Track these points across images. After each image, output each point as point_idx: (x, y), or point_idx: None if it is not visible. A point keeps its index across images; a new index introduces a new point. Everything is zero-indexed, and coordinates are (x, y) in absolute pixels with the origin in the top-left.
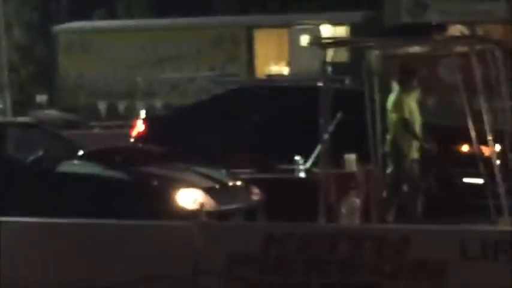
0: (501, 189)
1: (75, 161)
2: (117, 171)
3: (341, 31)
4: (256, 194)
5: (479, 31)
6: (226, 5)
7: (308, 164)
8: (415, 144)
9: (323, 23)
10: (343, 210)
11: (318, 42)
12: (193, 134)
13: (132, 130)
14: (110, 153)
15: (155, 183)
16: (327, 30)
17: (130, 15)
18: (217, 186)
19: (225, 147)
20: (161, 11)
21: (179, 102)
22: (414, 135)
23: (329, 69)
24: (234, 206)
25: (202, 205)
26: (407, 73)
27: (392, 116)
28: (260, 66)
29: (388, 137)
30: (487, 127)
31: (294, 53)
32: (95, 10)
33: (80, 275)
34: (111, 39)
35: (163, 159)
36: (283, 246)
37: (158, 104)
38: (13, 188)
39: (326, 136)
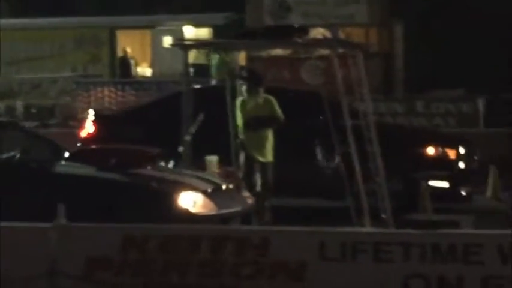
0: (361, 190)
1: (65, 162)
2: (113, 173)
3: (204, 33)
4: (248, 197)
5: (341, 34)
6: (89, 5)
7: (170, 165)
8: (267, 146)
9: (186, 24)
10: None
11: (179, 43)
12: (144, 134)
13: (80, 131)
14: (98, 154)
15: (155, 185)
16: (190, 32)
17: None
18: (215, 189)
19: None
20: (23, 11)
21: (40, 102)
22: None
23: (191, 70)
24: (232, 210)
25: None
26: (252, 76)
27: (236, 120)
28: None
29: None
30: (348, 130)
31: (157, 55)
32: None
33: None
34: None
35: (154, 160)
36: (143, 248)
37: (19, 104)
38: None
39: (188, 138)
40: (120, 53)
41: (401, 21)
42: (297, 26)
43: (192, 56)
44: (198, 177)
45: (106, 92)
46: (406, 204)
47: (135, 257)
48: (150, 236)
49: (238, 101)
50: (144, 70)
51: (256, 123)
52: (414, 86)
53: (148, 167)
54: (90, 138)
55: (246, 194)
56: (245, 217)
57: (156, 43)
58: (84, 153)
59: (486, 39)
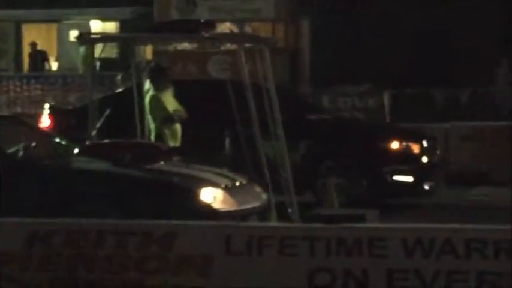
0: (269, 186)
1: (78, 158)
2: (131, 168)
3: (111, 27)
4: (263, 192)
5: (248, 29)
6: None
7: None
8: (179, 138)
9: (93, 18)
10: None
11: (85, 37)
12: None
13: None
14: (109, 149)
15: (178, 181)
16: (97, 26)
17: None
18: (234, 185)
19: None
20: None
21: None
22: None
23: (97, 64)
24: (250, 206)
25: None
26: (158, 72)
27: (154, 115)
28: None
29: (153, 134)
30: (254, 125)
31: (63, 49)
32: None
33: None
34: None
35: (167, 155)
36: (48, 243)
37: None
38: (11, 186)
39: (93, 132)
40: (28, 48)
41: (308, 17)
42: (203, 21)
43: (98, 50)
44: (215, 173)
45: (11, 87)
46: (370, 200)
47: (40, 252)
48: (55, 230)
49: (154, 96)
50: (51, 64)
51: (178, 117)
52: (320, 81)
53: (162, 162)
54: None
55: (259, 189)
56: (262, 213)
57: (62, 37)
58: (94, 148)
59: (391, 35)
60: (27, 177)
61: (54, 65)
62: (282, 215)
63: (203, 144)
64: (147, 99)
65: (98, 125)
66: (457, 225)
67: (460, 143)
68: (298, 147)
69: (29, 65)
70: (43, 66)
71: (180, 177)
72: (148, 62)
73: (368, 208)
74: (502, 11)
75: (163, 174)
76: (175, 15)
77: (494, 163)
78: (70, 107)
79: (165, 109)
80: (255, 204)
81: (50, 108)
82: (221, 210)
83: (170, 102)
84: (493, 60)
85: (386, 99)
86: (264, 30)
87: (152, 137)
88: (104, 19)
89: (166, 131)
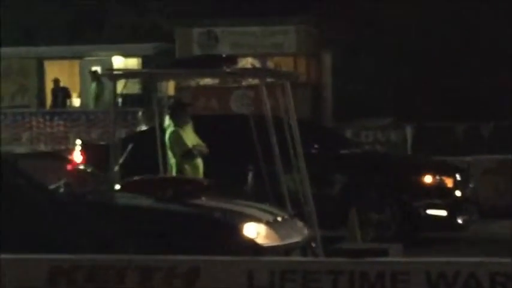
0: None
1: (120, 194)
2: (173, 204)
3: (133, 63)
4: (303, 227)
5: (270, 64)
6: (16, 35)
7: None
8: (201, 172)
9: (115, 54)
10: None
11: (108, 73)
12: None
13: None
14: (149, 185)
15: (220, 217)
16: (119, 62)
17: None
18: (276, 219)
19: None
20: None
21: None
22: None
23: (119, 100)
24: (293, 241)
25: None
26: (178, 107)
27: (174, 150)
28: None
29: (174, 170)
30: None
31: (86, 85)
32: None
33: None
34: None
35: (207, 190)
36: (71, 278)
37: None
38: (54, 223)
39: (116, 168)
40: (50, 84)
41: (330, 51)
42: (225, 56)
43: (120, 85)
44: (257, 208)
45: (34, 123)
46: (406, 234)
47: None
48: (78, 266)
49: (174, 131)
50: (73, 100)
51: (198, 151)
52: (343, 115)
53: (203, 198)
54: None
55: (300, 224)
56: (303, 248)
57: (85, 73)
58: (135, 184)
59: (412, 69)
60: (72, 213)
61: (76, 101)
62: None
63: (226, 179)
64: (167, 135)
65: (121, 160)
66: (481, 259)
67: (482, 177)
68: (333, 182)
69: (52, 101)
70: (65, 102)
71: (223, 212)
72: (170, 97)
73: (403, 242)
74: None
75: (206, 210)
76: (197, 50)
77: None
78: (102, 143)
79: (184, 144)
80: (298, 238)
81: (82, 144)
82: (265, 245)
83: (190, 137)
84: None
85: (408, 132)
86: (286, 64)
87: (173, 173)
88: (126, 55)
89: (187, 166)
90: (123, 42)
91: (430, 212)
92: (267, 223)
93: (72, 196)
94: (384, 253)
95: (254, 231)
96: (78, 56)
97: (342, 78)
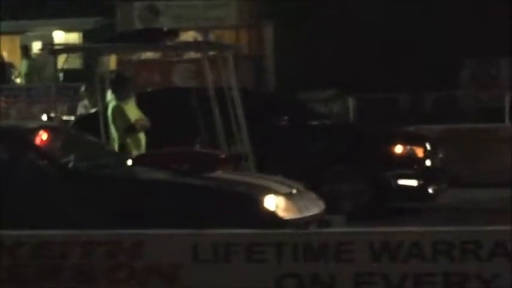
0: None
1: (135, 168)
2: (192, 177)
3: (74, 38)
4: (319, 200)
5: (212, 37)
6: None
7: None
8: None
9: (56, 29)
10: None
11: (49, 48)
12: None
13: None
14: (163, 159)
15: (242, 190)
16: (60, 37)
17: None
18: (294, 192)
19: None
20: None
21: None
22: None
23: (61, 75)
24: (310, 214)
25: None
26: (120, 81)
27: (116, 125)
28: None
29: (116, 144)
30: (220, 132)
31: None
32: None
33: None
34: None
35: (225, 164)
36: (15, 255)
37: None
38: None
39: None
40: None
41: (272, 23)
42: (167, 29)
43: (61, 60)
44: (273, 180)
45: None
46: (378, 204)
47: (7, 264)
48: (22, 242)
49: (116, 106)
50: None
51: (140, 126)
52: (286, 87)
53: (219, 171)
54: None
55: (315, 196)
56: (321, 221)
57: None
58: (147, 158)
59: (355, 41)
60: (90, 187)
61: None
62: None
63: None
64: (109, 110)
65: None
66: (424, 228)
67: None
68: (304, 154)
69: None
70: (10, 77)
71: (243, 185)
72: (112, 72)
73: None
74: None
75: (225, 183)
76: (138, 24)
77: (465, 164)
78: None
79: (127, 119)
80: (316, 211)
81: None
82: (285, 218)
83: (133, 111)
84: (457, 62)
85: (351, 104)
86: (228, 37)
87: (116, 147)
88: (67, 30)
89: (129, 141)
90: (64, 17)
91: (401, 182)
92: (286, 196)
93: (87, 170)
94: (326, 224)
95: (274, 204)
96: (19, 31)
97: (284, 51)
